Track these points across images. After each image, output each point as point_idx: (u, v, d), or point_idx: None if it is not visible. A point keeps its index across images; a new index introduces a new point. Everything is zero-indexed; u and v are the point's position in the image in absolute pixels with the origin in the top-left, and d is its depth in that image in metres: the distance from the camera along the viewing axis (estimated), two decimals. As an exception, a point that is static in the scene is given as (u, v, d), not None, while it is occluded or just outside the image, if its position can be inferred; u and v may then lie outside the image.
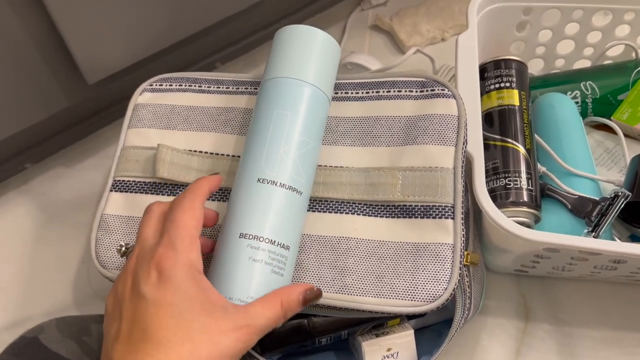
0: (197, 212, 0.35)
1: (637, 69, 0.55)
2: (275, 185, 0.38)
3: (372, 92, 0.46)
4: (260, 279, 0.37)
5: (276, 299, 0.35)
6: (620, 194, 0.45)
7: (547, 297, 0.52)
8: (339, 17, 0.74)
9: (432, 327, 0.49)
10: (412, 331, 0.44)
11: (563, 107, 0.53)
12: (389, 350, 0.44)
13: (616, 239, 0.50)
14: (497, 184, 0.47)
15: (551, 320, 0.51)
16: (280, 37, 0.44)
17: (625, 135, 0.53)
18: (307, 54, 0.42)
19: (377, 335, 0.44)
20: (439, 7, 0.72)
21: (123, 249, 0.40)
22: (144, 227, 0.36)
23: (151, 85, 0.49)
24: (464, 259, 0.42)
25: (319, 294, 0.38)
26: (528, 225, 0.46)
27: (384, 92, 0.46)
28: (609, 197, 0.46)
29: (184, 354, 0.30)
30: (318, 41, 0.43)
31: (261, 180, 0.38)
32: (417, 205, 0.42)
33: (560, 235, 0.40)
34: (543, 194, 0.48)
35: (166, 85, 0.49)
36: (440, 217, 0.41)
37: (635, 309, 0.51)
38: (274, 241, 0.38)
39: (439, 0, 0.73)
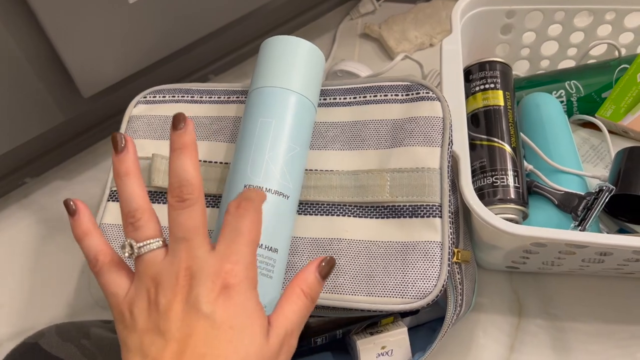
0: (261, 226, 0.33)
1: (620, 67, 0.56)
2: (262, 190, 0.40)
3: (360, 97, 0.47)
4: None
5: (295, 289, 0.33)
6: (605, 188, 0.46)
7: (539, 292, 0.53)
8: (329, 26, 0.75)
9: (426, 325, 0.50)
10: (405, 329, 0.45)
11: (548, 106, 0.54)
12: (383, 348, 0.45)
13: (604, 232, 0.51)
14: (484, 182, 0.48)
15: (544, 315, 0.52)
16: (265, 48, 0.45)
17: (610, 132, 0.54)
18: (291, 63, 0.44)
19: (372, 334, 0.45)
20: (427, 14, 0.73)
21: (134, 249, 0.32)
22: (190, 229, 0.31)
23: (145, 97, 0.51)
24: (454, 257, 0.43)
25: (332, 262, 0.36)
26: (516, 222, 0.47)
27: (370, 96, 0.47)
28: (594, 191, 0.47)
29: None
30: (302, 50, 0.44)
31: (247, 187, 0.40)
32: (406, 206, 0.43)
33: (547, 229, 0.41)
34: (530, 191, 0.49)
35: (159, 96, 0.51)
36: (428, 216, 0.42)
37: (625, 302, 0.52)
38: (262, 244, 0.39)
39: (427, 7, 0.74)
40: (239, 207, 0.32)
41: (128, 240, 0.32)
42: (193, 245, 0.31)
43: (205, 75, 0.70)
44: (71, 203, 0.34)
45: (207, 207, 0.45)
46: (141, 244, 0.32)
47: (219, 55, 0.71)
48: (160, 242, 0.32)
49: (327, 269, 0.35)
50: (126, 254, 0.32)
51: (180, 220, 0.31)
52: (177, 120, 0.34)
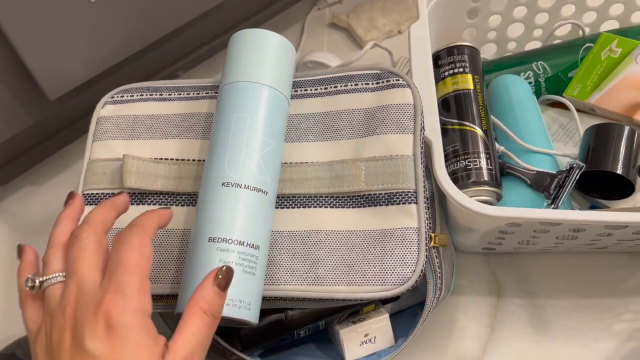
0: (147, 250, 0.32)
1: (585, 46, 0.57)
2: (240, 187, 0.39)
3: (331, 87, 0.47)
4: (232, 281, 0.38)
5: (193, 309, 0.32)
6: (575, 165, 0.47)
7: (516, 272, 0.54)
8: (297, 17, 0.75)
9: (407, 310, 0.50)
10: (387, 315, 0.46)
11: (517, 88, 0.55)
12: (366, 335, 0.45)
13: (576, 209, 0.52)
14: (457, 166, 0.48)
15: (522, 294, 0.53)
16: (234, 42, 0.45)
17: (578, 110, 0.55)
18: (262, 56, 0.43)
19: (354, 322, 0.46)
20: (394, 1, 0.73)
21: (35, 283, 0.32)
22: (79, 261, 0.31)
23: (112, 97, 0.50)
24: (432, 241, 0.44)
25: (228, 270, 0.34)
26: (490, 203, 0.48)
27: (341, 86, 0.47)
28: (565, 169, 0.48)
29: None
30: (271, 43, 0.44)
31: (226, 184, 0.39)
32: (381, 194, 0.43)
33: (520, 209, 0.42)
34: (503, 173, 0.50)
35: (127, 96, 0.50)
36: (404, 203, 0.42)
37: (598, 276, 0.54)
38: (243, 242, 0.38)
39: (393, -7, 0.74)
40: (118, 237, 0.32)
41: (31, 275, 0.32)
42: (81, 278, 0.31)
43: (174, 71, 0.69)
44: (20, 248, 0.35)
45: (183, 206, 0.45)
46: (43, 278, 0.32)
47: (187, 51, 0.70)
48: (63, 277, 0.32)
49: (224, 280, 0.34)
50: (28, 287, 0.32)
51: (70, 255, 0.32)
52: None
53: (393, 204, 0.43)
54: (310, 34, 0.73)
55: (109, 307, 0.28)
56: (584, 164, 0.47)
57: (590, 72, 0.54)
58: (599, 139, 0.48)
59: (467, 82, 0.51)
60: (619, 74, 0.52)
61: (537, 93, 0.58)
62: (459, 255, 0.55)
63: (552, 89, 0.58)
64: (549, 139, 0.53)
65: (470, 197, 0.44)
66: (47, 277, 0.32)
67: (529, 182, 0.49)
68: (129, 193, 0.46)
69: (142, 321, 0.29)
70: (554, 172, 0.48)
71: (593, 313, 0.52)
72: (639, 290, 0.53)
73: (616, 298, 0.53)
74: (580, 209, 0.52)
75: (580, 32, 0.59)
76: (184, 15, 0.60)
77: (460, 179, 0.48)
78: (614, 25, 0.60)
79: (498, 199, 0.49)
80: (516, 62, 0.59)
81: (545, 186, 0.48)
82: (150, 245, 0.32)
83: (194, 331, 0.31)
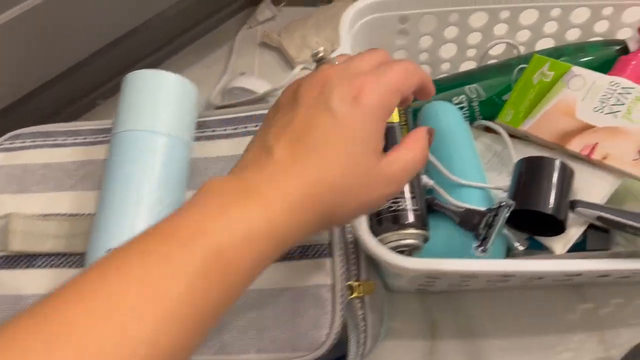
0: (406, 90, 0.32)
1: (519, 67, 0.54)
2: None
3: (240, 127, 0.44)
4: None
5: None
6: (504, 204, 0.44)
7: (452, 310, 0.51)
8: (226, 37, 0.71)
9: (333, 364, 0.47)
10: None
11: (447, 115, 0.52)
12: (284, 399, 0.42)
13: (516, 244, 0.49)
14: (381, 207, 0.45)
15: (459, 334, 0.50)
16: (127, 85, 0.41)
17: (512, 136, 0.52)
18: (157, 100, 0.39)
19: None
20: (327, 16, 0.70)
21: (320, 54, 0.34)
22: (361, 57, 0.32)
23: (2, 144, 0.45)
24: (355, 292, 0.40)
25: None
26: (417, 247, 0.44)
27: (252, 127, 0.44)
28: (494, 207, 0.45)
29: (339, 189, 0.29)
30: (167, 84, 0.40)
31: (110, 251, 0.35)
32: (294, 247, 0.39)
33: (437, 260, 0.39)
34: (431, 210, 0.47)
35: (18, 142, 0.45)
36: (317, 257, 0.39)
37: (539, 312, 0.51)
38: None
39: (328, 9, 0.71)
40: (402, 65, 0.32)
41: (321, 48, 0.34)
42: (354, 64, 0.31)
43: (92, 100, 0.65)
44: None
45: (77, 267, 0.41)
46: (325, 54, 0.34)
47: (106, 78, 0.65)
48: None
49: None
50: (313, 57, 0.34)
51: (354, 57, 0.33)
52: None
53: (306, 258, 0.39)
54: (240, 53, 0.69)
55: (365, 83, 0.30)
56: (513, 202, 0.44)
57: (523, 97, 0.51)
58: (529, 175, 0.45)
59: (392, 115, 0.48)
60: (551, 100, 0.49)
61: (471, 117, 0.55)
62: (391, 294, 0.51)
63: (486, 112, 0.55)
64: (482, 170, 0.50)
65: (395, 240, 0.41)
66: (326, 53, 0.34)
67: (458, 221, 0.46)
68: (15, 257, 0.41)
69: (383, 114, 0.30)
70: (484, 210, 0.45)
71: (533, 352, 0.49)
72: (579, 325, 0.50)
73: (557, 334, 0.50)
74: (519, 242, 0.49)
75: (515, 52, 0.57)
76: (99, 40, 0.56)
77: (384, 221, 0.44)
78: (550, 43, 0.57)
79: (425, 241, 0.45)
80: (450, 85, 0.56)
81: (474, 224, 0.45)
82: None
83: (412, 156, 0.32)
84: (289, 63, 0.69)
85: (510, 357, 0.49)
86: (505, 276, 0.42)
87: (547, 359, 0.49)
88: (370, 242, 0.39)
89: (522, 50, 0.57)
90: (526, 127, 0.50)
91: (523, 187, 0.45)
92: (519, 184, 0.45)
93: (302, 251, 0.39)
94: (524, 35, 0.57)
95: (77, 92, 0.63)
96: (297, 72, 0.62)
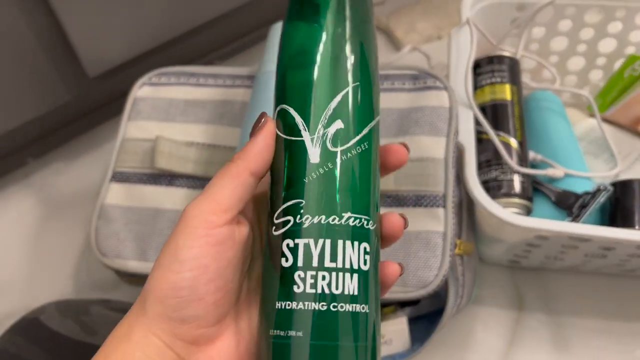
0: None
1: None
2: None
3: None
4: None
5: None
6: (602, 187, 0.46)
7: (540, 288, 0.53)
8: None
9: (427, 317, 0.49)
10: (405, 319, 0.45)
11: (551, 103, 0.54)
12: (382, 337, 0.45)
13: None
14: (489, 176, 0.48)
15: (545, 310, 0.52)
16: (275, 31, 0.45)
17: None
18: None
19: (371, 323, 0.45)
20: (435, 5, 0.73)
21: None
22: None
23: (150, 79, 0.51)
24: (457, 248, 0.43)
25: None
26: (519, 216, 0.47)
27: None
28: (592, 191, 0.47)
29: None
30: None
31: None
32: (409, 195, 0.42)
33: (551, 221, 0.41)
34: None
35: (165, 79, 0.50)
36: (431, 206, 0.42)
37: (626, 300, 0.52)
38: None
39: (435, -2, 0.74)
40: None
41: None
42: None
43: (210, 60, 0.70)
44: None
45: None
46: None
47: (225, 41, 0.70)
48: None
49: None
50: None
51: None
52: None
53: (420, 206, 0.42)
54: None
55: None
56: (612, 188, 0.46)
57: (612, 88, 0.55)
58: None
59: (505, 92, 0.50)
60: (635, 91, 0.54)
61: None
62: (483, 266, 0.54)
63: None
64: (582, 157, 0.52)
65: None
66: None
67: (554, 199, 0.48)
68: (158, 175, 0.46)
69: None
70: (579, 193, 0.47)
71: (618, 336, 0.50)
72: (666, 317, 0.51)
73: (643, 324, 0.51)
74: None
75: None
76: (224, 5, 0.61)
77: (491, 188, 0.47)
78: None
79: (527, 213, 0.48)
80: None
81: (569, 204, 0.47)
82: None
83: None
84: (394, 45, 0.72)
85: (594, 338, 0.50)
86: (607, 249, 0.44)
87: (631, 345, 0.50)
88: (486, 200, 0.42)
89: (633, 50, 0.58)
90: (609, 113, 0.54)
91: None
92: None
93: (416, 199, 0.42)
94: (637, 36, 0.58)
95: (200, 50, 0.68)
96: (407, 52, 0.65)
